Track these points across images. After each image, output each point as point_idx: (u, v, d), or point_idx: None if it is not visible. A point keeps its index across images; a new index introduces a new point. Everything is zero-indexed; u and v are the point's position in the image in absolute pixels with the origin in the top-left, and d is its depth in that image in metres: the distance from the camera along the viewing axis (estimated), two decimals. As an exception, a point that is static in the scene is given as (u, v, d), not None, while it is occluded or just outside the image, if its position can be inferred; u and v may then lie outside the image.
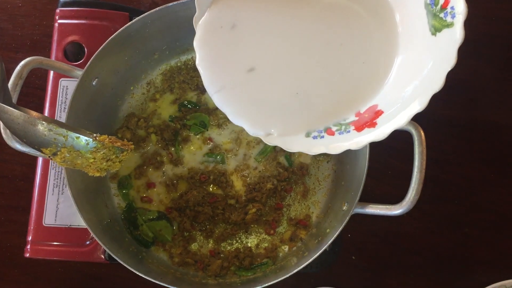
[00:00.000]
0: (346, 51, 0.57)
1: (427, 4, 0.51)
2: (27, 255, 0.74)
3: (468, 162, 0.82)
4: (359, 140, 0.55)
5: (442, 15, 0.49)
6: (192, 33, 0.59)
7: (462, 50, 0.83)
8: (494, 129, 0.83)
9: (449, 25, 0.49)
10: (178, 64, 0.79)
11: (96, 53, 0.66)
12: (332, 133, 0.57)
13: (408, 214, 0.63)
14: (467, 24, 0.87)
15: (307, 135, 0.58)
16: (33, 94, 0.82)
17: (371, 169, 0.65)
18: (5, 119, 0.54)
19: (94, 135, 0.58)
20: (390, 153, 0.80)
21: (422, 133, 0.61)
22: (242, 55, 0.58)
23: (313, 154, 0.57)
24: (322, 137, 0.57)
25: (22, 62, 0.63)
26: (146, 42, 0.73)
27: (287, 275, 0.63)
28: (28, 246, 0.74)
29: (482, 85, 0.85)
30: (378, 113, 0.55)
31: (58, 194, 0.75)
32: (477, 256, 0.79)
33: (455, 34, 0.48)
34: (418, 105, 0.51)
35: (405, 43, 0.55)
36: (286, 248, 0.74)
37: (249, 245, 0.75)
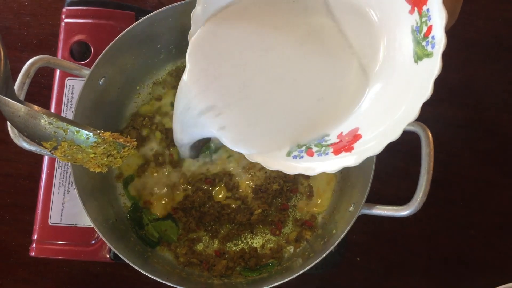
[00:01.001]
0: (322, 76, 0.58)
1: (413, 30, 0.50)
2: (33, 254, 0.74)
3: (473, 164, 0.82)
4: (334, 163, 0.55)
5: (424, 43, 0.48)
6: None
7: (469, 52, 0.84)
8: (500, 130, 0.83)
9: (429, 54, 0.47)
10: (184, 64, 0.78)
11: (103, 52, 0.66)
12: (312, 154, 0.58)
13: (413, 216, 0.63)
14: (474, 26, 0.87)
15: (288, 154, 0.59)
16: (39, 93, 0.82)
17: (375, 170, 0.65)
18: (6, 112, 0.54)
19: (98, 131, 0.58)
20: (395, 154, 0.80)
21: (430, 135, 0.60)
22: (226, 74, 0.59)
23: (291, 174, 0.58)
24: (302, 157, 0.58)
25: (30, 61, 0.63)
26: (152, 42, 0.73)
27: (293, 276, 0.63)
28: (34, 245, 0.74)
29: (488, 87, 0.85)
30: (357, 137, 0.55)
31: (64, 193, 0.75)
32: (483, 258, 0.79)
33: (433, 65, 0.46)
34: (392, 134, 0.50)
35: (387, 70, 0.55)
36: (291, 248, 0.74)
37: (254, 245, 0.75)
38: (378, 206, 0.64)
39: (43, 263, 0.79)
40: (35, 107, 0.56)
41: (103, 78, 0.69)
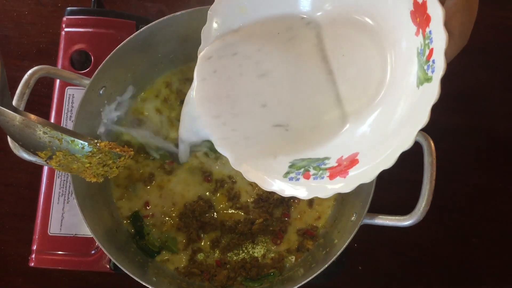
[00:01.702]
0: (294, 104, 0.60)
1: (418, 53, 0.48)
2: (32, 264, 0.73)
3: (475, 172, 0.82)
4: (327, 188, 0.55)
5: (425, 67, 0.47)
6: (199, 42, 0.60)
7: (470, 59, 0.84)
8: (501, 138, 0.83)
9: (429, 79, 0.46)
10: (184, 73, 0.78)
11: (103, 62, 0.66)
12: (308, 177, 0.57)
13: (415, 224, 0.62)
14: (475, 33, 0.87)
15: (285, 175, 0.59)
16: (39, 102, 0.82)
17: (377, 178, 0.64)
18: (1, 121, 0.54)
19: (95, 141, 0.57)
20: (397, 163, 0.80)
21: (432, 144, 0.60)
22: (228, 92, 0.60)
23: (285, 196, 0.57)
24: (298, 179, 0.58)
25: (30, 71, 0.63)
26: (153, 51, 0.73)
27: (295, 287, 0.63)
28: (33, 255, 0.73)
29: (489, 94, 0.85)
30: (354, 162, 0.54)
31: (64, 203, 0.75)
32: (486, 266, 0.79)
33: (432, 91, 0.45)
34: (386, 162, 0.49)
35: (390, 95, 0.54)
36: (293, 258, 0.74)
37: (255, 255, 0.74)
38: (380, 216, 0.63)
39: (43, 274, 0.79)
40: (31, 116, 0.56)
41: (103, 88, 0.69)
